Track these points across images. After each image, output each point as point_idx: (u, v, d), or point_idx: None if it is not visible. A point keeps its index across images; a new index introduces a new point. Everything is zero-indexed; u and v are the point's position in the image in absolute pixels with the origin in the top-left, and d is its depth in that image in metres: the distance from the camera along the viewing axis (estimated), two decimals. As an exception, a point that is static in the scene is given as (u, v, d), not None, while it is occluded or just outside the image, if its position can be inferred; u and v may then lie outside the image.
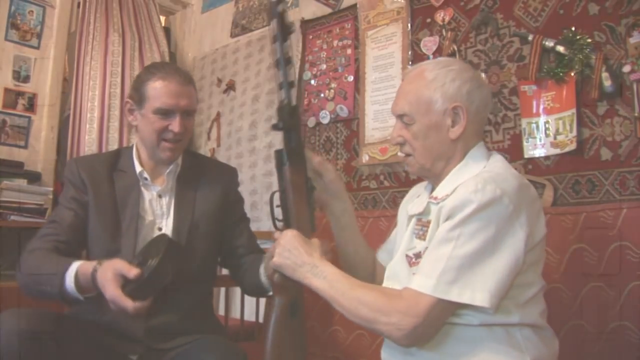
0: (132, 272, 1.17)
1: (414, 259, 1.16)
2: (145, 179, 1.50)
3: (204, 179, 1.58)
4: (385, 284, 1.25)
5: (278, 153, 1.27)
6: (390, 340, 1.09)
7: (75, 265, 1.25)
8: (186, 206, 1.52)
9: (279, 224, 1.28)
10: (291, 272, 1.15)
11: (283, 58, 1.21)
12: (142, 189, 1.50)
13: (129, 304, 1.15)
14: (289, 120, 1.23)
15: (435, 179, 1.22)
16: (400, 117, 1.20)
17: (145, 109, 1.46)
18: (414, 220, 1.23)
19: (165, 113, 1.45)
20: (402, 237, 1.29)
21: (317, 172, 1.33)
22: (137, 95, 1.48)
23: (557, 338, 1.17)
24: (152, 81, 1.46)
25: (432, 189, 1.24)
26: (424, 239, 1.15)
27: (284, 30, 1.20)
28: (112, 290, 1.16)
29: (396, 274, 1.23)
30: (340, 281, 1.10)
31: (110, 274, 1.18)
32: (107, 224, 1.44)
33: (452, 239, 1.03)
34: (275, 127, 1.24)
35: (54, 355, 1.19)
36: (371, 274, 1.40)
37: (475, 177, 1.09)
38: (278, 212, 1.28)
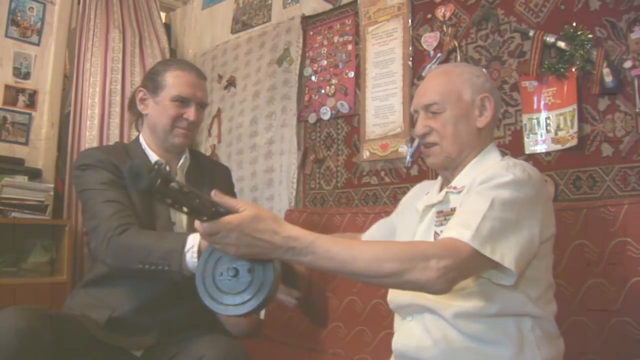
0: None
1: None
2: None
3: (205, 177, 1.60)
4: None
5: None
6: (422, 290, 1.00)
7: (194, 240, 1.23)
8: None
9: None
10: (263, 257, 0.95)
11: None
12: None
13: None
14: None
15: (452, 170, 1.27)
16: (426, 107, 1.25)
17: (162, 97, 1.50)
18: (433, 211, 1.24)
19: (182, 101, 1.50)
20: (410, 229, 1.30)
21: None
22: (152, 84, 1.52)
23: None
24: (170, 71, 1.52)
25: (442, 184, 1.29)
26: None
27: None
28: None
29: None
30: (339, 251, 0.94)
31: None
32: (141, 212, 1.43)
33: (487, 199, 1.04)
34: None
35: (52, 353, 1.19)
36: None
37: (502, 161, 1.17)
38: None
